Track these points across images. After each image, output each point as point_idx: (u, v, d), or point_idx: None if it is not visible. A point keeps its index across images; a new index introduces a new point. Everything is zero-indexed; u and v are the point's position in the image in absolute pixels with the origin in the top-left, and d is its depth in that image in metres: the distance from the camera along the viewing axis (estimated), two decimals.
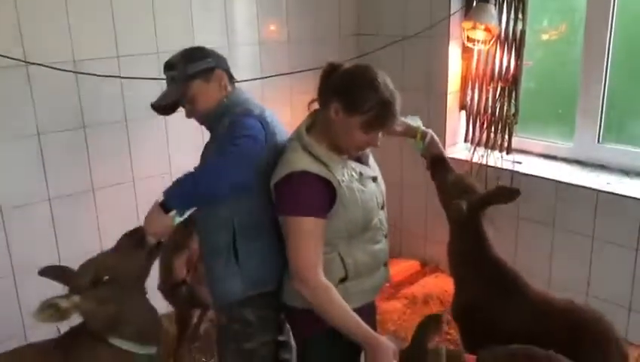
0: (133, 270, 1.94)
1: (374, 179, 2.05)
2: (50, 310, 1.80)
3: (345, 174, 1.91)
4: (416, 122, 2.39)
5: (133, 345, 1.94)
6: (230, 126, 1.95)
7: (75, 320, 1.94)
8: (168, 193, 1.83)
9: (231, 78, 2.14)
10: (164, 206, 1.82)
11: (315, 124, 1.97)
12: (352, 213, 1.91)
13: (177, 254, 2.52)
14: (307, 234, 1.84)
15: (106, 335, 1.93)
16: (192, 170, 1.88)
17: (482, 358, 1.81)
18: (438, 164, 2.40)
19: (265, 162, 1.96)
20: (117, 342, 1.93)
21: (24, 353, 2.00)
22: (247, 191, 1.96)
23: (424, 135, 2.34)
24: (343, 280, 1.96)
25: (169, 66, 2.08)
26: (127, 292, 1.93)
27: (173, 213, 1.82)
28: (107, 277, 1.87)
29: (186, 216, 1.88)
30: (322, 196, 1.87)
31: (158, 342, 2.08)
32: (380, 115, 1.84)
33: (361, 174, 1.98)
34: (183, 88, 2.03)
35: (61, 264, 3.02)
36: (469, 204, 2.27)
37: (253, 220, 2.02)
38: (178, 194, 1.83)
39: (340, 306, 1.83)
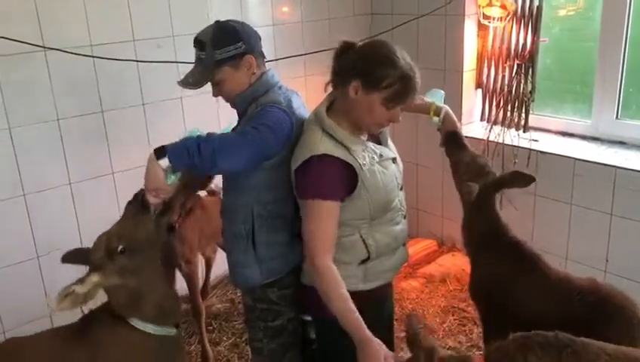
0: (142, 234, 1.91)
1: (394, 160, 2.04)
2: (70, 298, 1.80)
3: (366, 157, 1.90)
4: (435, 96, 2.36)
5: (152, 326, 1.97)
6: (258, 112, 1.94)
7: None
8: (169, 144, 1.80)
9: (263, 58, 2.07)
10: (159, 152, 1.77)
11: (333, 105, 1.95)
12: (374, 195, 1.91)
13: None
14: (325, 218, 1.84)
15: (127, 314, 1.95)
16: None
17: (489, 356, 1.68)
18: (451, 140, 2.37)
19: (286, 156, 1.96)
20: (137, 323, 1.96)
21: (43, 338, 2.03)
22: (267, 183, 1.98)
23: (438, 111, 2.32)
24: (364, 260, 1.97)
25: (198, 44, 1.99)
26: (145, 262, 1.93)
27: (164, 162, 1.76)
28: (121, 247, 1.86)
29: (178, 176, 1.83)
30: (343, 179, 1.86)
31: (177, 322, 2.10)
32: (401, 89, 1.82)
33: (381, 156, 1.97)
34: (211, 73, 1.99)
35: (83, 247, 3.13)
36: (481, 188, 2.27)
37: (273, 212, 2.02)
38: (178, 147, 1.78)
39: (343, 297, 1.78)
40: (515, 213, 3.33)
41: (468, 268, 2.51)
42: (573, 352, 1.57)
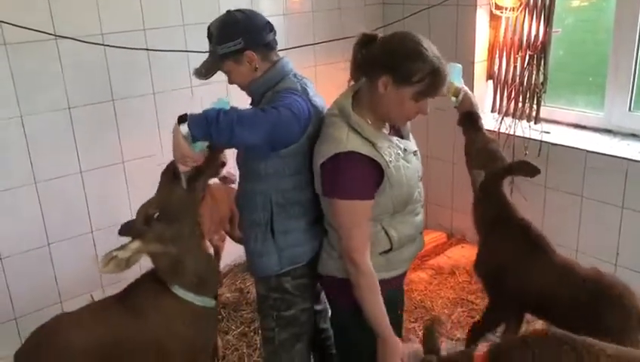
0: (175, 201, 1.99)
1: (415, 153, 2.04)
2: (113, 262, 1.90)
3: (392, 154, 1.88)
4: (453, 71, 2.29)
5: (192, 295, 2.06)
6: (275, 97, 1.95)
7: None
8: (192, 113, 1.82)
9: (270, 50, 2.05)
10: (182, 119, 1.79)
11: (356, 98, 1.92)
12: (398, 190, 1.91)
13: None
14: (359, 218, 1.85)
15: (170, 281, 2.04)
16: None
17: (493, 354, 1.68)
18: (467, 120, 2.42)
19: (304, 144, 1.96)
20: (178, 290, 2.05)
21: (86, 311, 2.11)
22: (285, 170, 1.98)
23: (457, 91, 2.31)
24: (387, 251, 1.97)
25: (209, 35, 2.05)
26: (182, 229, 2.02)
27: (184, 128, 1.77)
28: (157, 215, 1.97)
29: (202, 145, 1.84)
30: (371, 177, 1.86)
31: (216, 294, 2.18)
32: (432, 82, 1.80)
33: (405, 150, 1.96)
34: (217, 65, 2.03)
35: (93, 235, 3.16)
36: (488, 175, 2.36)
37: (291, 200, 2.03)
38: (199, 116, 1.79)
39: (377, 296, 1.87)
40: (525, 204, 3.31)
41: None
42: (573, 349, 1.54)
